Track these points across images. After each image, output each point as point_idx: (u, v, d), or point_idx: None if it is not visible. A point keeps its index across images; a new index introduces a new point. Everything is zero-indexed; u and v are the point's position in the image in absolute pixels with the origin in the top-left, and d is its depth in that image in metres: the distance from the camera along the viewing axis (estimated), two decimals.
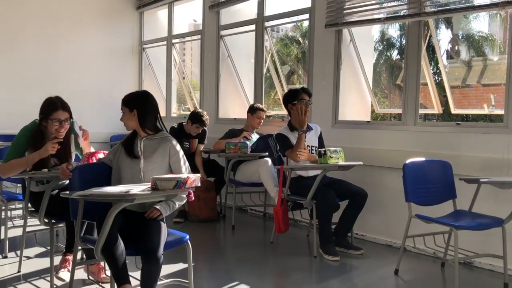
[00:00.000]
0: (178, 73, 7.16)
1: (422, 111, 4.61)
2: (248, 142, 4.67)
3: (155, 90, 7.18)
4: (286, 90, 5.74)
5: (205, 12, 6.01)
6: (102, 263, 2.96)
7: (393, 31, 20.48)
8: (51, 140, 2.95)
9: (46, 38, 6.05)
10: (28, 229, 3.34)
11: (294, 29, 23.42)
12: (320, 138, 4.10)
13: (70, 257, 3.04)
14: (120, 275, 2.30)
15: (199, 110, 4.99)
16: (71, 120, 3.08)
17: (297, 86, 5.05)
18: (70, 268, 2.93)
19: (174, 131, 4.94)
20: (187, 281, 2.58)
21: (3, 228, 3.68)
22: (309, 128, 4.01)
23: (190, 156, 4.99)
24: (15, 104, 5.59)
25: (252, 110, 4.92)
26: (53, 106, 2.98)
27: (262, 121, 4.91)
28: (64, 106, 3.02)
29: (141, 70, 7.13)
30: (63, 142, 3.06)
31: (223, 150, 4.68)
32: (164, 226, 2.51)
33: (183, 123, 5.00)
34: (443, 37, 19.94)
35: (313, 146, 4.00)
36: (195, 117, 4.87)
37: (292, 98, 3.98)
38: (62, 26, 6.22)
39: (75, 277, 2.69)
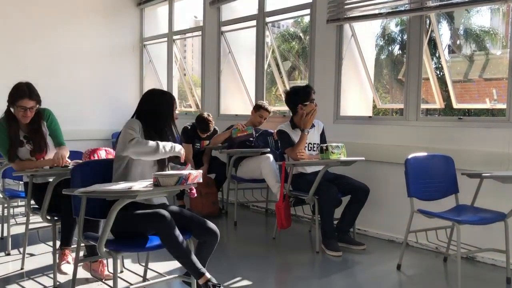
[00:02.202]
0: (179, 69, 7.16)
1: (424, 106, 4.59)
2: (251, 127, 4.70)
3: (156, 87, 7.17)
4: (287, 86, 5.74)
5: (205, 8, 5.99)
6: (104, 261, 2.97)
7: (395, 26, 20.42)
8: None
9: (46, 35, 6.05)
10: (30, 226, 3.35)
11: (295, 25, 23.36)
12: (323, 135, 4.09)
13: (67, 250, 3.03)
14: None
15: (204, 114, 4.96)
16: (38, 106, 3.11)
17: (298, 82, 5.04)
18: (69, 259, 2.95)
19: (187, 132, 4.94)
20: (189, 277, 2.58)
21: (5, 225, 3.70)
22: (312, 125, 3.98)
23: (200, 154, 5.01)
24: None
25: (257, 107, 4.89)
26: (21, 94, 3.02)
27: (264, 120, 4.87)
28: (32, 95, 3.05)
29: (142, 67, 7.12)
30: (35, 128, 3.12)
31: (223, 142, 4.71)
32: None
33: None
34: (444, 32, 19.87)
35: (315, 144, 3.99)
36: (199, 123, 4.91)
37: (302, 99, 3.90)
38: (63, 23, 6.21)
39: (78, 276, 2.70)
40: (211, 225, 2.58)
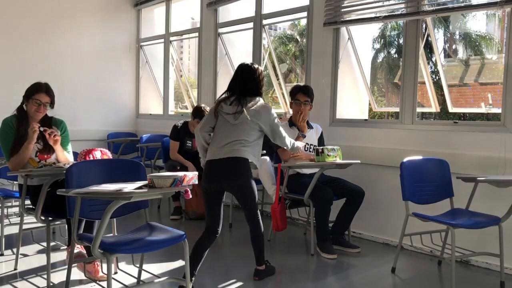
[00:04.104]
0: (176, 70, 7.15)
1: (419, 110, 4.61)
2: None
3: (152, 88, 7.17)
4: (284, 89, 5.76)
5: (202, 10, 6.00)
6: (98, 262, 2.96)
7: (391, 29, 20.48)
8: (30, 126, 3.07)
9: (43, 35, 6.03)
10: (24, 226, 3.34)
11: (292, 27, 23.40)
12: (321, 139, 4.10)
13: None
14: None
15: (201, 105, 4.91)
16: (51, 106, 3.20)
17: (297, 83, 5.02)
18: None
19: (177, 130, 4.91)
20: (184, 279, 2.58)
21: None
22: (309, 127, 4.04)
23: (193, 155, 4.95)
24: (12, 101, 5.56)
25: None
26: (38, 88, 3.16)
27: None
28: (48, 91, 3.18)
29: (138, 68, 7.11)
30: (48, 127, 3.13)
31: None
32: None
33: (188, 121, 4.97)
34: (440, 36, 19.96)
35: (312, 144, 4.01)
36: (197, 112, 4.80)
37: (290, 94, 4.01)
38: (59, 23, 6.19)
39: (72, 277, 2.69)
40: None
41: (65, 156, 3.22)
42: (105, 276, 2.69)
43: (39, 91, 3.14)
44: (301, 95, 3.92)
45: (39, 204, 2.86)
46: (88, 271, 2.97)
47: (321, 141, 4.09)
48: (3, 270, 3.24)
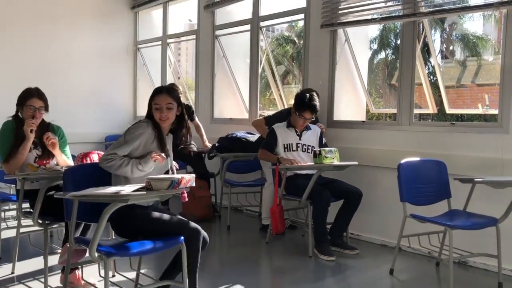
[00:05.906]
0: (173, 73, 7.14)
1: (417, 111, 4.63)
2: None
3: (150, 91, 7.15)
4: (281, 90, 5.76)
5: (200, 12, 6.00)
6: (78, 272, 2.91)
7: (388, 31, 20.52)
8: (26, 123, 3.05)
9: (40, 38, 6.02)
10: (22, 230, 3.32)
11: (289, 29, 23.43)
12: (321, 139, 4.10)
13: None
14: None
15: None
16: (46, 111, 3.17)
17: (292, 86, 5.04)
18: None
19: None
20: (181, 282, 2.57)
21: None
22: (307, 128, 4.05)
23: (195, 157, 4.87)
24: (9, 104, 5.53)
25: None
26: (29, 94, 3.14)
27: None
28: (40, 95, 3.15)
29: (136, 70, 7.11)
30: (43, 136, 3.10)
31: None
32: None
33: None
34: (437, 37, 20.02)
35: (309, 145, 4.01)
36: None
37: (296, 107, 3.94)
38: (57, 26, 6.19)
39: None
40: (193, 224, 2.54)
41: (64, 161, 3.20)
42: (89, 283, 2.67)
43: (30, 97, 3.11)
44: (308, 113, 3.92)
45: (36, 207, 2.85)
46: (71, 281, 2.90)
47: (321, 141, 4.10)
48: (1, 274, 3.22)
